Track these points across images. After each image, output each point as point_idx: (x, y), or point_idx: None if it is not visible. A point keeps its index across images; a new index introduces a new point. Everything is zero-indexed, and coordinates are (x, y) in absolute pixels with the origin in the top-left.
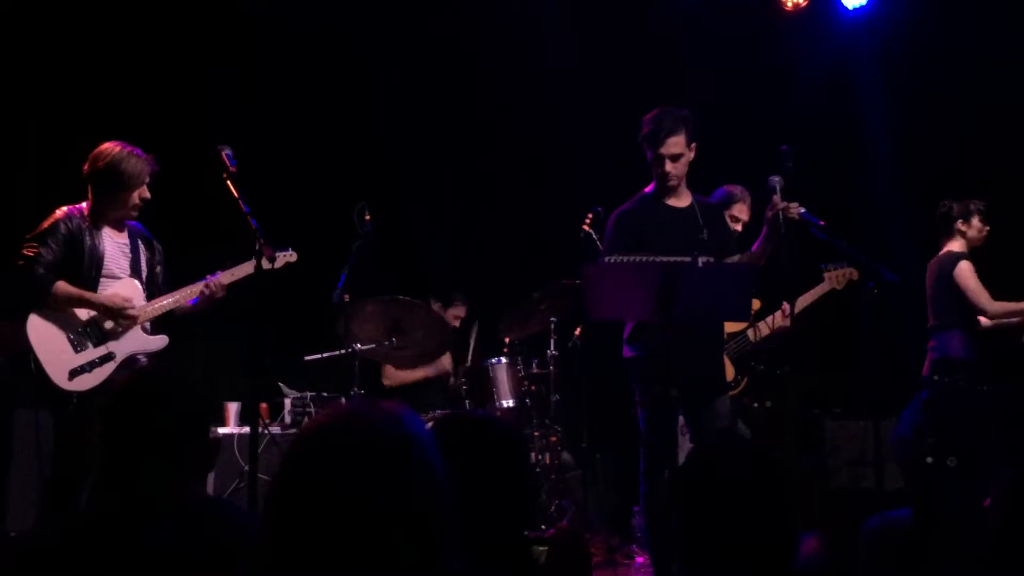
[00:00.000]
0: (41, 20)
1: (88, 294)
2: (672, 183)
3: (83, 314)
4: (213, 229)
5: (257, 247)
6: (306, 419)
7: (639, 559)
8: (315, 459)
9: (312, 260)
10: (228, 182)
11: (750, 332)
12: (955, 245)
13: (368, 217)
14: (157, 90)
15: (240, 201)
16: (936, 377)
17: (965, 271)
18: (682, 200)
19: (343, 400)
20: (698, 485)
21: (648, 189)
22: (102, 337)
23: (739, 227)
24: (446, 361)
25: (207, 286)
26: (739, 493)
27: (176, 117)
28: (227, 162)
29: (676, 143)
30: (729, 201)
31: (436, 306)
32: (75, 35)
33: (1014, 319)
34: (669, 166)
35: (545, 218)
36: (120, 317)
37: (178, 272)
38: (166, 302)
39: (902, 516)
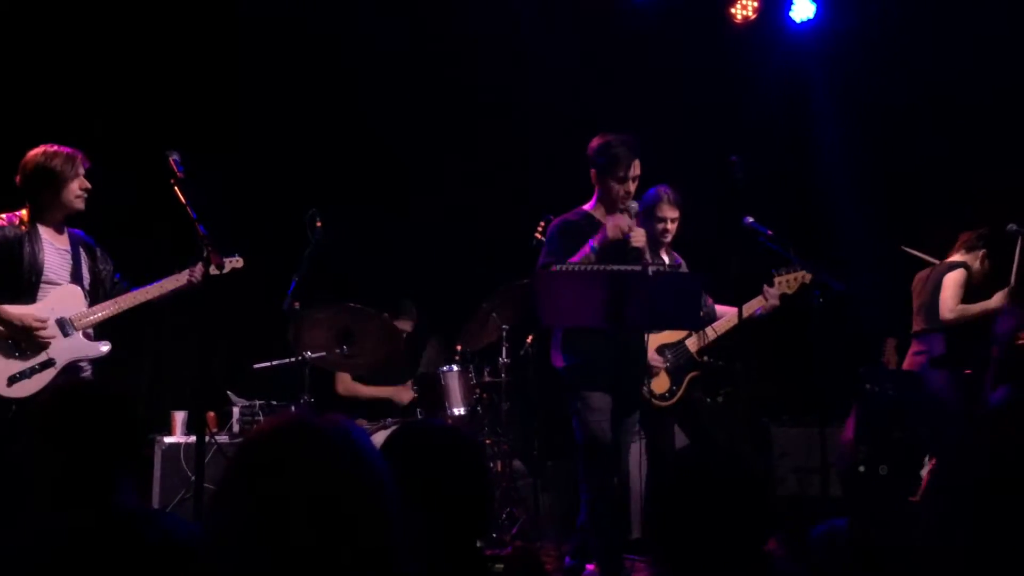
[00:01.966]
0: None
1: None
2: (624, 203)
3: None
4: (161, 235)
5: (205, 254)
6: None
7: (589, 566)
8: (260, 467)
9: (262, 267)
10: (176, 188)
11: (690, 342)
12: (963, 258)
13: (319, 224)
14: (104, 93)
15: (188, 207)
16: (867, 386)
17: (957, 277)
18: None
19: (293, 409)
20: (685, 491)
21: (589, 207)
22: (39, 344)
23: (668, 225)
24: (404, 395)
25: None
26: (725, 499)
27: (124, 121)
28: (175, 168)
29: (639, 165)
30: (656, 201)
31: (386, 316)
32: (23, 36)
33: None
34: (631, 187)
35: (496, 226)
36: (29, 338)
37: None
38: (108, 305)
39: (845, 523)
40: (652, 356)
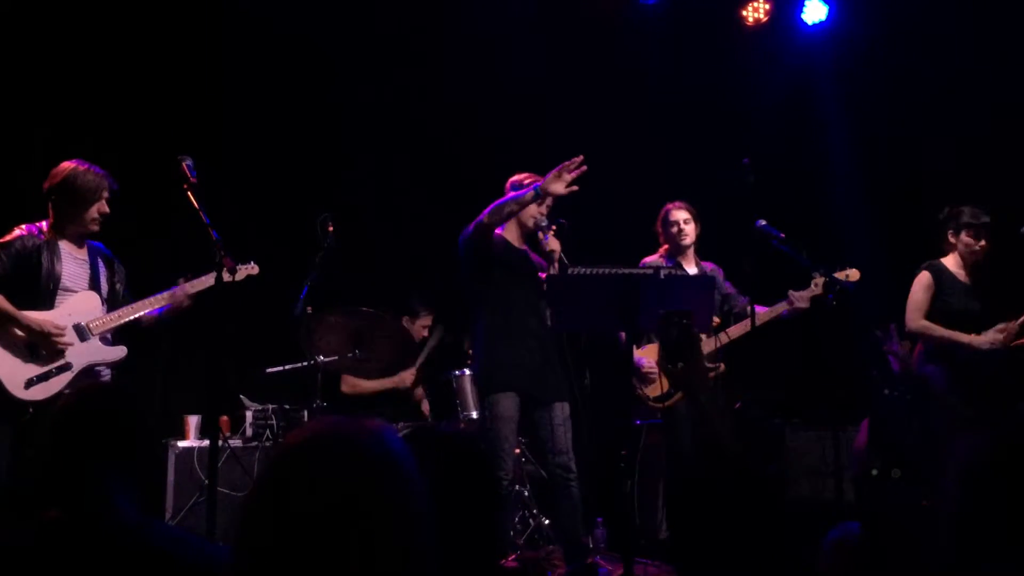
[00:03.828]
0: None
1: (18, 313)
2: (537, 220)
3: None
4: (173, 240)
5: (218, 258)
6: (267, 432)
7: (603, 569)
8: (295, 477)
9: (274, 272)
10: (189, 193)
11: (704, 346)
12: (946, 256)
13: (331, 228)
14: (117, 100)
15: (201, 212)
16: (886, 391)
17: (921, 280)
18: (523, 244)
19: (305, 413)
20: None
21: (500, 229)
22: (57, 348)
23: (682, 225)
24: (408, 376)
25: (173, 296)
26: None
27: (137, 127)
28: (188, 173)
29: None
30: (665, 210)
31: (405, 320)
32: (38, 43)
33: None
34: (544, 210)
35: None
36: (47, 343)
37: (140, 284)
38: (126, 310)
39: (858, 527)
40: (648, 362)
